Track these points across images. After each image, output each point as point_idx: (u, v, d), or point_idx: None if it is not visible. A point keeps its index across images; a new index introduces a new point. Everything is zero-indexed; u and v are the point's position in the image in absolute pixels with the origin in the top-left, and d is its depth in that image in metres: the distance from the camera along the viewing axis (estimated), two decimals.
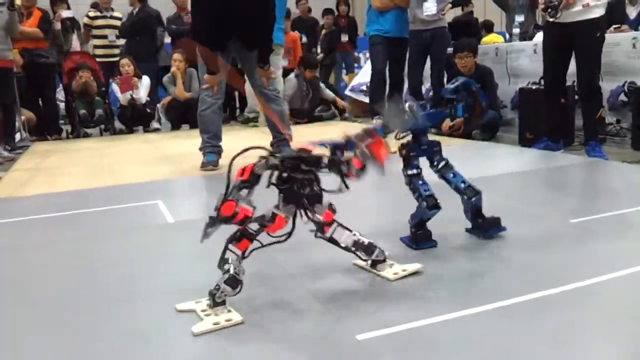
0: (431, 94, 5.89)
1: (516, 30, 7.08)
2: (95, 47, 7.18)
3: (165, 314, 1.54)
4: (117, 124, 6.96)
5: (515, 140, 4.90)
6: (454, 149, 4.23)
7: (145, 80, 6.75)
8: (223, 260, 1.51)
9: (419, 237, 1.98)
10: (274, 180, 1.53)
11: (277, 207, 1.53)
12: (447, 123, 5.19)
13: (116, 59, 7.04)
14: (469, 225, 2.08)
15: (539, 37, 6.02)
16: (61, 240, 2.36)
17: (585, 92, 4.03)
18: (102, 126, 6.86)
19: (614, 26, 4.87)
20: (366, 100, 6.78)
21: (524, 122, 4.93)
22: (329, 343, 1.33)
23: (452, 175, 2.01)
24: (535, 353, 1.25)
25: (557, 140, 4.25)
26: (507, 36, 7.70)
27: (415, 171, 1.97)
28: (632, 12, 5.53)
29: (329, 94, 7.17)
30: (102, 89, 6.72)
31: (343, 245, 1.68)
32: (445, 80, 5.56)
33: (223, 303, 1.49)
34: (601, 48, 3.98)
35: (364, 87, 7.14)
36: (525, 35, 6.94)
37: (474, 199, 2.00)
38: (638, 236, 2.09)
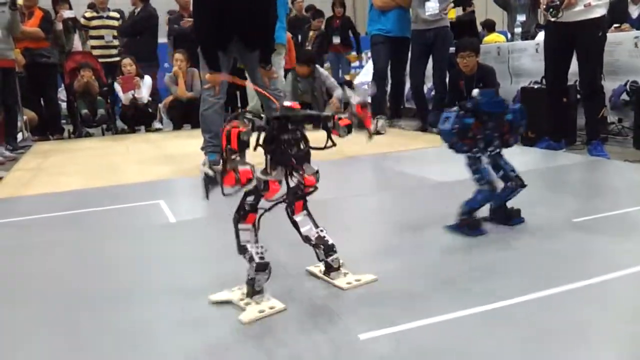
0: (433, 93, 5.89)
1: (518, 30, 7.07)
2: (92, 47, 7.17)
3: (169, 314, 1.54)
4: (119, 124, 6.96)
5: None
6: None
7: (147, 80, 6.76)
8: (241, 247, 1.52)
9: (472, 224, 2.06)
10: (261, 142, 1.51)
11: (266, 173, 1.51)
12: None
13: (113, 59, 7.04)
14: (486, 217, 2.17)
15: (541, 36, 6.01)
16: (63, 240, 2.36)
17: (588, 91, 4.02)
18: (104, 126, 6.87)
19: (616, 25, 4.86)
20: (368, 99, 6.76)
21: (526, 121, 4.91)
22: (330, 342, 1.33)
23: (504, 162, 2.13)
24: (538, 352, 1.25)
25: (559, 140, 4.24)
26: (509, 36, 7.70)
27: (480, 154, 2.05)
28: (634, 11, 5.52)
29: (332, 83, 6.61)
30: (103, 88, 6.72)
31: (304, 234, 1.67)
32: (447, 79, 5.56)
33: (261, 291, 1.52)
34: (603, 47, 3.97)
35: (366, 86, 7.13)
36: (527, 35, 6.94)
37: (519, 189, 2.12)
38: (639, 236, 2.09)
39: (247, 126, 1.44)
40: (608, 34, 4.11)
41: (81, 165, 4.44)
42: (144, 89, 6.67)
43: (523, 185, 2.11)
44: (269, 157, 1.51)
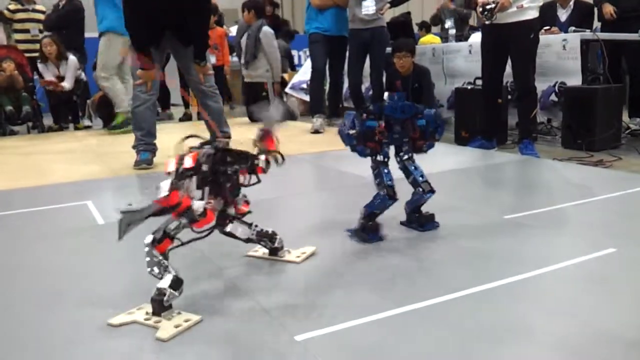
0: (370, 92, 5.92)
1: (452, 32, 7.22)
2: (17, 41, 6.83)
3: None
4: (46, 121, 6.65)
5: (451, 139, 4.98)
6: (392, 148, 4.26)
7: (72, 61, 6.44)
8: (153, 264, 1.46)
9: (369, 228, 2.00)
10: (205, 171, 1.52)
11: (205, 201, 1.52)
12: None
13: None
14: (402, 221, 2.15)
15: (474, 37, 6.16)
16: None
17: (521, 91, 4.13)
18: (30, 124, 6.54)
19: (546, 28, 5.02)
20: (306, 98, 6.75)
21: (460, 121, 5.02)
22: (266, 344, 1.29)
23: (413, 167, 2.10)
24: (469, 349, 1.25)
25: (491, 139, 4.35)
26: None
27: (383, 158, 2.01)
28: (562, 15, 5.73)
29: (273, 53, 6.50)
30: (29, 84, 6.40)
31: (244, 237, 1.72)
32: (384, 79, 5.61)
33: (170, 307, 1.44)
34: (536, 49, 4.10)
35: (304, 85, 7.11)
36: (461, 37, 7.10)
37: (427, 195, 2.08)
38: (570, 231, 2.15)
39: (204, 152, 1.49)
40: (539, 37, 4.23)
41: (4, 165, 4.20)
42: (68, 73, 6.38)
43: (432, 191, 2.08)
44: (207, 188, 1.53)
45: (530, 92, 4.13)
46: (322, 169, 3.69)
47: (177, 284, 1.44)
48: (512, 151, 4.20)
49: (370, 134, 1.96)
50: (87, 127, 6.68)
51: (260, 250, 1.87)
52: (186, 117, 7.27)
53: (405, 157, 2.10)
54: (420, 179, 2.08)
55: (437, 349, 1.26)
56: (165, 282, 1.42)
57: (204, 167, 1.49)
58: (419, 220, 2.12)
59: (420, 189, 2.08)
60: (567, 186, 2.97)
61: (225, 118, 4.01)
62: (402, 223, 2.16)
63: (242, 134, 5.05)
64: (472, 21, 9.23)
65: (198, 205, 1.47)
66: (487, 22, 4.04)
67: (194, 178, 1.48)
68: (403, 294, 1.55)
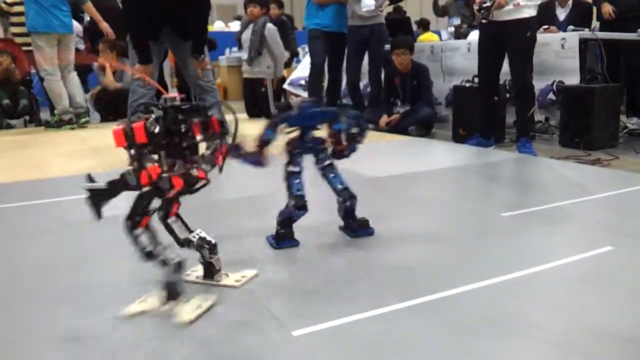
0: (369, 89, 5.92)
1: (451, 29, 7.23)
2: (14, 34, 6.79)
3: (103, 316, 1.45)
4: (43, 115, 6.63)
5: (449, 137, 4.99)
6: (389, 145, 4.27)
7: None
8: (145, 254, 1.40)
9: (281, 236, 1.94)
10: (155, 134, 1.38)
11: (166, 171, 1.39)
12: (385, 119, 5.25)
13: None
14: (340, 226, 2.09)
15: (473, 35, 6.16)
16: None
17: (519, 90, 4.14)
18: (27, 117, 6.52)
19: (544, 27, 5.03)
20: (305, 94, 6.74)
21: (458, 119, 5.03)
22: (264, 339, 1.29)
23: (332, 175, 2.00)
24: (466, 345, 1.25)
25: (489, 137, 4.36)
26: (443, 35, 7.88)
27: (295, 169, 1.94)
28: (561, 14, 5.73)
29: (279, 47, 6.55)
30: (26, 77, 6.38)
31: (183, 237, 1.52)
32: (382, 76, 5.61)
33: (183, 291, 1.43)
34: (533, 47, 4.10)
35: (303, 82, 7.10)
36: (460, 34, 7.10)
37: (348, 202, 1.99)
38: (567, 229, 2.15)
39: (149, 117, 1.36)
40: (536, 35, 4.23)
41: (1, 159, 4.19)
42: None
43: (352, 197, 1.99)
44: (163, 152, 1.39)
45: (528, 90, 4.14)
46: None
47: (180, 266, 1.41)
48: (509, 149, 4.21)
49: (267, 145, 1.89)
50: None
51: (193, 274, 1.63)
52: None
53: (324, 164, 2.01)
54: (340, 186, 1.99)
55: (434, 344, 1.26)
56: (171, 270, 1.40)
57: (156, 131, 1.36)
58: (352, 226, 2.05)
59: (340, 199, 2.00)
60: (565, 184, 2.97)
61: (223, 114, 4.00)
62: (339, 228, 2.09)
63: (241, 130, 5.05)
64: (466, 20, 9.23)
65: (163, 177, 1.38)
66: (483, 21, 4.04)
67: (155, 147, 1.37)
68: (400, 290, 1.55)
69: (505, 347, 1.25)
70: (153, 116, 1.37)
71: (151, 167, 1.35)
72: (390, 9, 6.74)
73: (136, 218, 1.39)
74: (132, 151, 1.36)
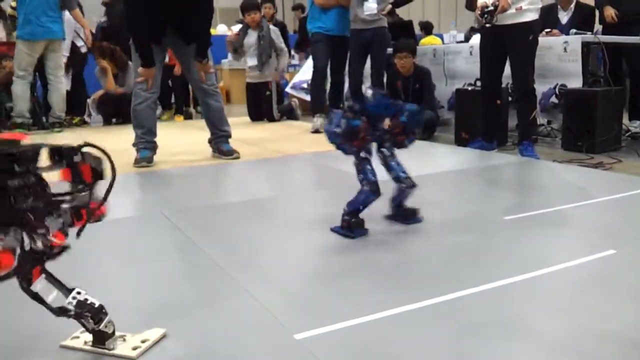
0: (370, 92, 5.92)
1: (453, 32, 7.23)
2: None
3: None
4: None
5: (452, 140, 4.98)
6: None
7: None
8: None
9: (353, 225, 2.03)
10: None
11: None
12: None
13: None
14: (387, 215, 2.21)
15: (475, 39, 6.17)
16: None
17: (520, 93, 4.14)
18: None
19: (547, 30, 5.03)
20: (307, 98, 6.75)
21: (460, 122, 5.02)
22: (266, 342, 1.29)
23: (395, 163, 2.12)
24: (468, 348, 1.25)
25: (491, 140, 4.36)
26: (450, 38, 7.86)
27: (367, 156, 2.04)
28: (563, 17, 5.73)
29: (280, 43, 6.57)
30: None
31: (55, 305, 1.15)
32: (385, 79, 5.61)
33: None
34: (534, 51, 4.10)
35: (305, 85, 7.11)
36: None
37: (409, 190, 2.13)
38: (570, 232, 2.15)
39: None
40: (539, 39, 4.23)
41: None
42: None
43: (414, 185, 2.13)
44: None
45: (529, 93, 4.14)
46: (321, 168, 3.68)
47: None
48: (512, 153, 4.20)
49: (354, 133, 1.97)
50: (85, 123, 6.68)
51: (82, 338, 1.28)
52: (186, 116, 7.27)
53: (388, 153, 2.13)
54: (402, 174, 2.12)
55: (436, 348, 1.26)
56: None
57: None
58: (404, 214, 2.18)
59: (403, 185, 2.12)
60: (567, 188, 2.97)
61: (226, 117, 4.01)
62: (387, 217, 2.21)
63: (244, 134, 5.07)
64: (473, 23, 9.24)
65: None
66: (487, 25, 4.04)
67: None
68: (401, 293, 1.55)
69: (507, 351, 1.25)
70: None
71: None
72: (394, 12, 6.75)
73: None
74: None
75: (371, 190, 2.00)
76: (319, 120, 5.41)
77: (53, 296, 1.14)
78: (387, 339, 1.30)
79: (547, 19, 5.29)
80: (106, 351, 1.23)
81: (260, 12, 6.47)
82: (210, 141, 3.98)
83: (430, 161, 3.89)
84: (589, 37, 4.75)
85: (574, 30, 4.88)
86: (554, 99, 4.85)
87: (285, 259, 1.88)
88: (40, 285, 1.12)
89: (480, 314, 1.42)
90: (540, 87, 4.62)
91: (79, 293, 1.18)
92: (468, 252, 1.90)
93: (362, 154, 2.03)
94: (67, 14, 6.14)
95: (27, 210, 1.03)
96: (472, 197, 2.79)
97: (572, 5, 5.73)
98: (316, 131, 5.32)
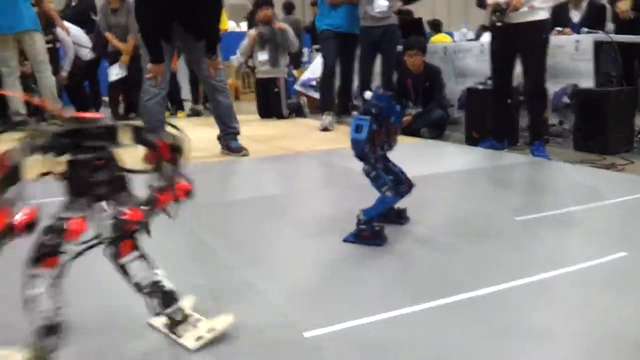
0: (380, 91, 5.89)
1: (463, 30, 7.19)
2: None
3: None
4: None
5: (462, 139, 4.96)
6: (401, 147, 4.25)
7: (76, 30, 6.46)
8: (26, 299, 1.07)
9: (374, 233, 1.95)
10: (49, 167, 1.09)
11: (64, 207, 1.10)
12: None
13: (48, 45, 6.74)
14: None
15: (486, 37, 6.13)
16: None
17: (531, 92, 4.10)
18: (40, 116, 6.56)
19: (558, 29, 4.99)
20: (316, 95, 6.74)
21: (471, 121, 5.00)
22: (275, 340, 1.28)
23: (392, 165, 2.08)
24: (478, 350, 1.24)
25: (502, 140, 4.33)
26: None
27: (377, 159, 1.96)
28: (575, 16, 5.68)
29: (292, 37, 6.55)
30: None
31: (134, 281, 1.22)
32: (394, 77, 5.59)
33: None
34: (546, 50, 4.06)
35: (314, 83, 7.09)
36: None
37: (410, 190, 2.06)
38: (581, 234, 2.13)
39: (22, 145, 1.02)
40: (550, 37, 4.20)
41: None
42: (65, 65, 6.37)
43: (412, 186, 2.08)
44: (67, 185, 1.10)
45: (541, 93, 4.11)
46: (330, 166, 3.67)
47: (49, 330, 1.07)
48: (523, 153, 4.17)
49: (372, 139, 1.90)
50: None
51: (161, 321, 1.32)
52: (194, 113, 7.26)
53: (384, 154, 2.07)
54: (402, 175, 2.08)
55: (446, 348, 1.25)
56: (37, 332, 1.08)
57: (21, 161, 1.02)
58: (397, 215, 2.16)
59: (406, 186, 2.06)
60: (579, 189, 2.94)
61: (235, 113, 4.00)
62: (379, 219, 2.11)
63: (253, 131, 5.07)
64: (483, 21, 9.19)
65: (54, 215, 1.07)
66: (498, 24, 4.00)
67: (21, 182, 1.02)
68: (411, 293, 1.54)
69: (518, 352, 1.24)
70: (25, 142, 1.03)
71: (27, 211, 1.02)
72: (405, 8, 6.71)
73: (35, 253, 1.06)
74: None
75: (395, 195, 1.95)
76: (327, 118, 5.39)
77: (135, 274, 1.21)
78: (395, 339, 1.29)
79: (559, 18, 5.25)
80: (172, 335, 1.29)
81: (272, 8, 6.46)
82: (219, 138, 3.98)
83: (440, 160, 3.87)
84: (601, 35, 4.71)
85: (585, 29, 4.84)
86: (565, 99, 4.81)
87: (294, 257, 1.87)
88: (127, 259, 1.20)
89: (490, 315, 1.41)
90: (552, 87, 4.58)
91: (156, 274, 1.23)
92: (479, 252, 1.88)
93: (373, 159, 1.94)
94: (62, 33, 6.14)
95: (101, 183, 1.10)
96: (482, 197, 2.77)
97: (584, 4, 5.68)
98: (325, 129, 5.30)
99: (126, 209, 1.14)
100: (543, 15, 3.94)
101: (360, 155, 1.87)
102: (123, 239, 1.17)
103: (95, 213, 1.11)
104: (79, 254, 1.10)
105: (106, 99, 6.89)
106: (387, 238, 1.96)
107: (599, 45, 4.60)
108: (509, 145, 4.42)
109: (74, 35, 6.48)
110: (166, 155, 1.18)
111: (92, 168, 1.09)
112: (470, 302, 1.49)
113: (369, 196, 1.99)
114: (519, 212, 2.33)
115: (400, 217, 2.17)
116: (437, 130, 5.26)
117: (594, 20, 5.47)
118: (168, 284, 1.25)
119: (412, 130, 5.05)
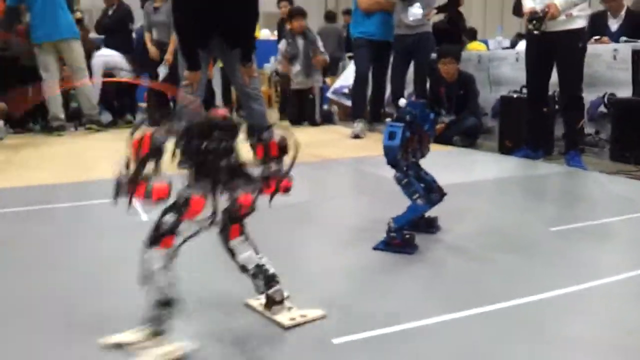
0: (413, 98, 5.88)
1: (499, 38, 7.12)
2: None
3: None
4: (104, 118, 6.80)
5: (495, 148, 4.90)
6: (433, 155, 4.23)
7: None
8: (145, 276, 1.21)
9: (405, 241, 1.95)
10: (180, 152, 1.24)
11: (188, 187, 1.24)
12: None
13: None
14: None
15: (521, 45, 6.06)
16: (27, 236, 2.27)
17: (567, 101, 4.04)
18: (77, 120, 6.69)
19: (595, 37, 4.90)
20: (348, 103, 6.75)
21: (504, 130, 4.94)
22: (304, 346, 1.29)
23: (424, 173, 2.10)
24: (511, 357, 1.23)
25: (537, 149, 4.27)
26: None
27: (406, 169, 1.97)
28: (613, 24, 5.57)
29: (318, 42, 6.63)
30: None
31: (241, 263, 1.38)
32: (427, 85, 5.56)
33: (162, 333, 1.24)
34: (583, 58, 4.00)
35: (346, 90, 7.10)
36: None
37: (441, 199, 2.07)
38: (616, 246, 2.09)
39: (164, 128, 1.19)
40: (587, 46, 4.14)
41: (52, 160, 4.33)
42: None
43: (444, 195, 2.08)
44: (193, 169, 1.25)
45: (577, 102, 4.04)
46: (361, 173, 3.68)
47: (164, 303, 1.22)
48: (558, 162, 4.11)
49: (405, 146, 1.92)
50: (129, 123, 6.82)
51: (262, 299, 1.48)
52: None
53: (416, 163, 2.09)
54: (434, 184, 2.09)
55: (477, 358, 1.25)
56: (156, 302, 1.22)
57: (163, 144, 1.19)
58: (427, 224, 2.15)
59: (437, 194, 2.06)
60: (614, 200, 2.89)
61: (269, 121, 4.04)
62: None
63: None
64: (519, 29, 9.09)
65: (179, 192, 1.22)
66: (535, 32, 3.95)
67: (160, 162, 1.19)
68: (443, 302, 1.54)
69: None
70: (164, 127, 1.21)
71: (157, 186, 1.18)
72: (436, 18, 6.68)
73: (155, 233, 1.23)
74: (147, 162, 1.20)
75: (426, 203, 1.94)
76: (359, 126, 5.39)
77: (243, 256, 1.37)
78: (425, 348, 1.29)
79: (597, 26, 5.16)
80: (269, 314, 1.43)
81: (305, 19, 6.51)
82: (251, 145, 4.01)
83: (473, 169, 3.84)
84: None
85: (624, 38, 4.74)
86: (602, 108, 4.72)
87: (324, 264, 1.88)
88: (235, 243, 1.36)
89: (523, 326, 1.39)
90: (589, 96, 4.50)
91: (260, 258, 1.39)
92: (512, 262, 1.87)
93: (405, 167, 1.95)
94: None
95: (222, 170, 1.25)
96: (516, 206, 2.74)
97: (623, 12, 5.57)
98: (356, 136, 5.30)
99: (239, 194, 1.27)
100: (580, 23, 3.89)
101: (393, 162, 1.89)
102: (235, 222, 1.33)
103: (214, 195, 1.24)
104: (193, 234, 1.22)
105: (142, 104, 7.01)
106: (418, 246, 1.96)
107: (637, 55, 4.51)
108: (544, 154, 4.36)
109: (114, 61, 6.65)
110: (274, 152, 1.34)
111: (218, 156, 1.24)
112: (503, 312, 1.47)
113: (400, 204, 1.99)
114: (554, 223, 2.30)
115: (431, 226, 2.16)
116: (470, 138, 5.21)
117: (632, 28, 5.35)
118: (271, 268, 1.40)
119: (444, 138, 5.01)
